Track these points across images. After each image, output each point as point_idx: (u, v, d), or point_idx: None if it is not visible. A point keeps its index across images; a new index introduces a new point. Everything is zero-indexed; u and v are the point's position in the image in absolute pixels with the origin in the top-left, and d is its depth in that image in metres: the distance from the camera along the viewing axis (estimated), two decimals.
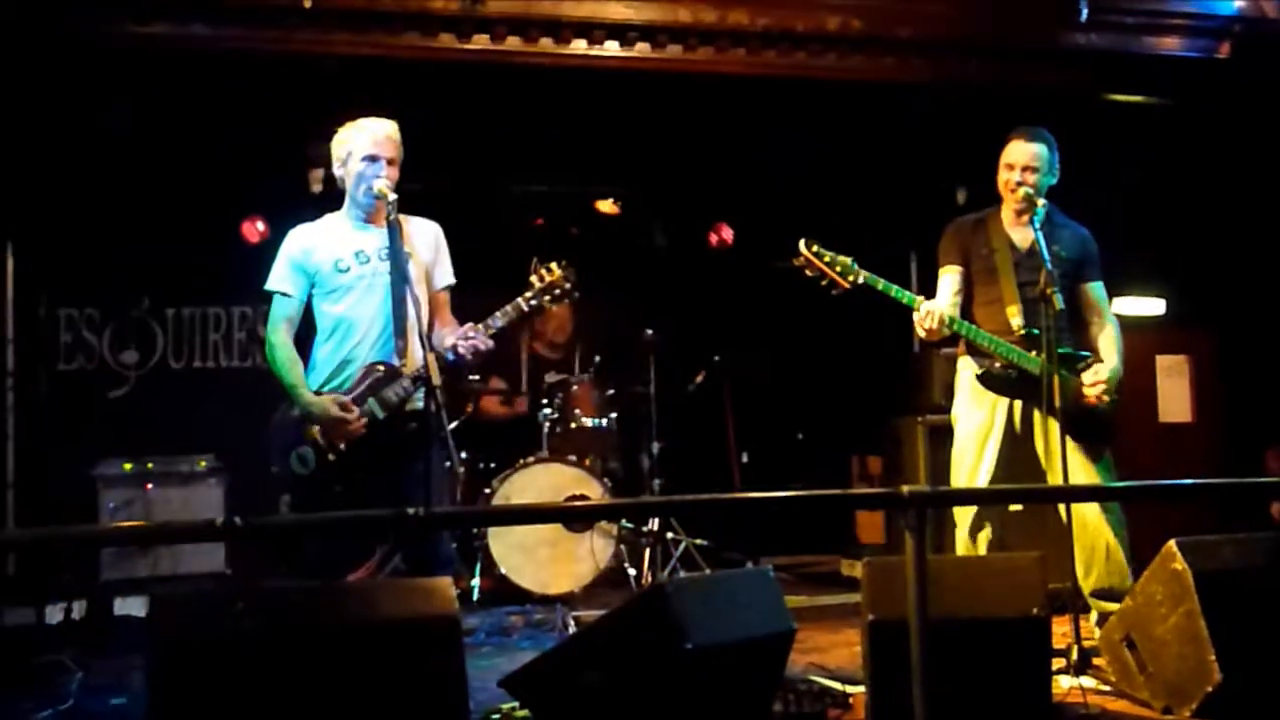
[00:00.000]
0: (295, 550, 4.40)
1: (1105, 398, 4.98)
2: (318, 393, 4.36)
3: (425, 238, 4.56)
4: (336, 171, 4.52)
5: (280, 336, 4.41)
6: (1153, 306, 7.87)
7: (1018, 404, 5.04)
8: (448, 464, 4.70)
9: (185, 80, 6.35)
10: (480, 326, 4.42)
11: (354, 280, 4.40)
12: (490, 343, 4.43)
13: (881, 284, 4.91)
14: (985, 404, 5.08)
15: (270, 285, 4.47)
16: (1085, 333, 5.17)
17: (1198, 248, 7.73)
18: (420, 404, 4.32)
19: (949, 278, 5.18)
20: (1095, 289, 5.20)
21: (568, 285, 4.53)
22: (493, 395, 7.31)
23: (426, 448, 4.28)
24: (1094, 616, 4.94)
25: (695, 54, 6.36)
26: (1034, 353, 4.90)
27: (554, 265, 4.56)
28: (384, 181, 4.35)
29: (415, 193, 4.67)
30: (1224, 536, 4.08)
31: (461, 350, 4.36)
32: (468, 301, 4.70)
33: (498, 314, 4.45)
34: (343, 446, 4.30)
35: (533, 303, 4.50)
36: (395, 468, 4.30)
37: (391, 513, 4.18)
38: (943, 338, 5.06)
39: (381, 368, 4.36)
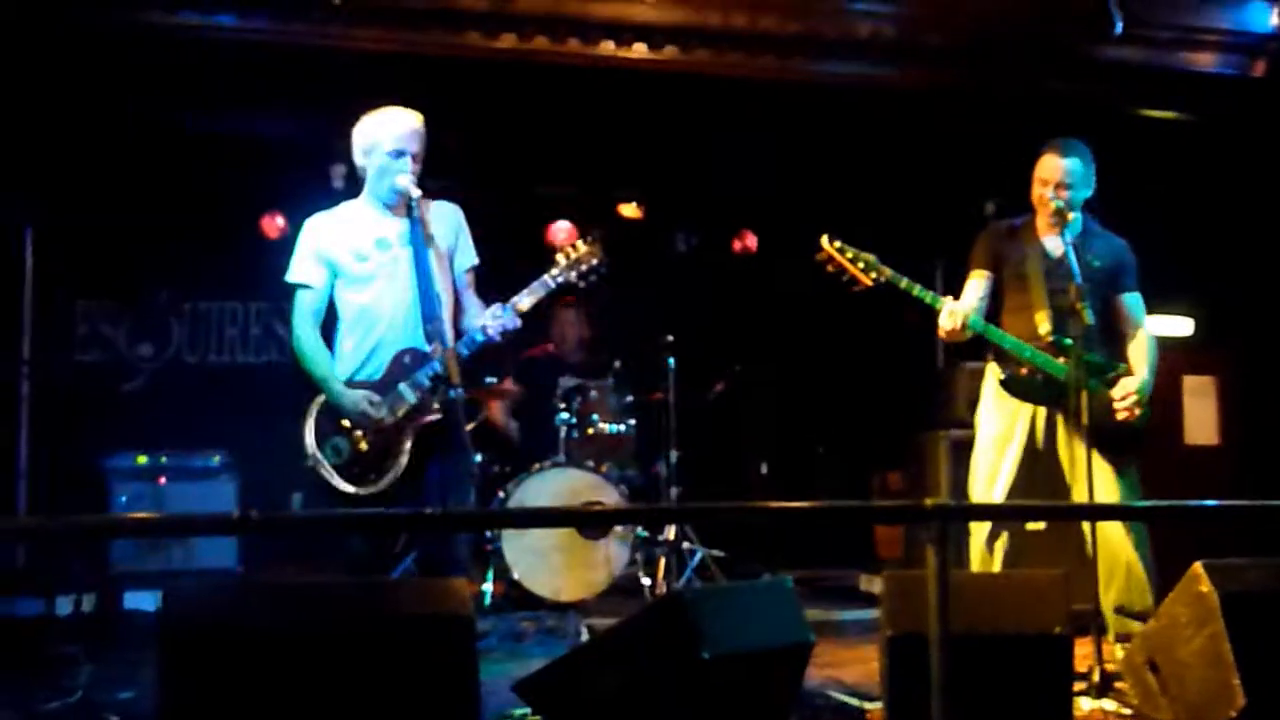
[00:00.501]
0: (341, 546, 4.38)
1: (1137, 410, 4.91)
2: (348, 383, 4.31)
3: (445, 221, 4.49)
4: (358, 161, 4.44)
5: (307, 329, 4.36)
6: (1181, 326, 7.77)
7: (1042, 412, 4.96)
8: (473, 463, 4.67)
9: (210, 72, 6.33)
10: (508, 305, 4.37)
11: (377, 269, 4.34)
12: (518, 321, 4.36)
13: (904, 282, 4.85)
14: (1008, 411, 5.01)
15: (292, 277, 4.40)
16: (1120, 344, 5.09)
17: (1227, 268, 7.65)
18: (447, 396, 4.27)
19: (976, 282, 5.12)
20: (1131, 300, 5.12)
21: (595, 261, 4.44)
22: (501, 401, 7.23)
23: (453, 445, 4.24)
24: (1112, 634, 4.86)
25: (724, 58, 6.32)
26: (1061, 359, 4.83)
27: (579, 243, 4.48)
28: (409, 178, 4.31)
29: (437, 190, 4.63)
30: (1251, 560, 4.00)
31: (491, 331, 4.31)
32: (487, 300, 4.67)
33: (525, 292, 4.39)
34: (374, 435, 4.26)
35: (559, 279, 4.42)
36: (423, 464, 4.27)
37: (409, 511, 4.19)
38: (964, 341, 4.99)
39: (411, 354, 4.31)
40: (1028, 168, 5.06)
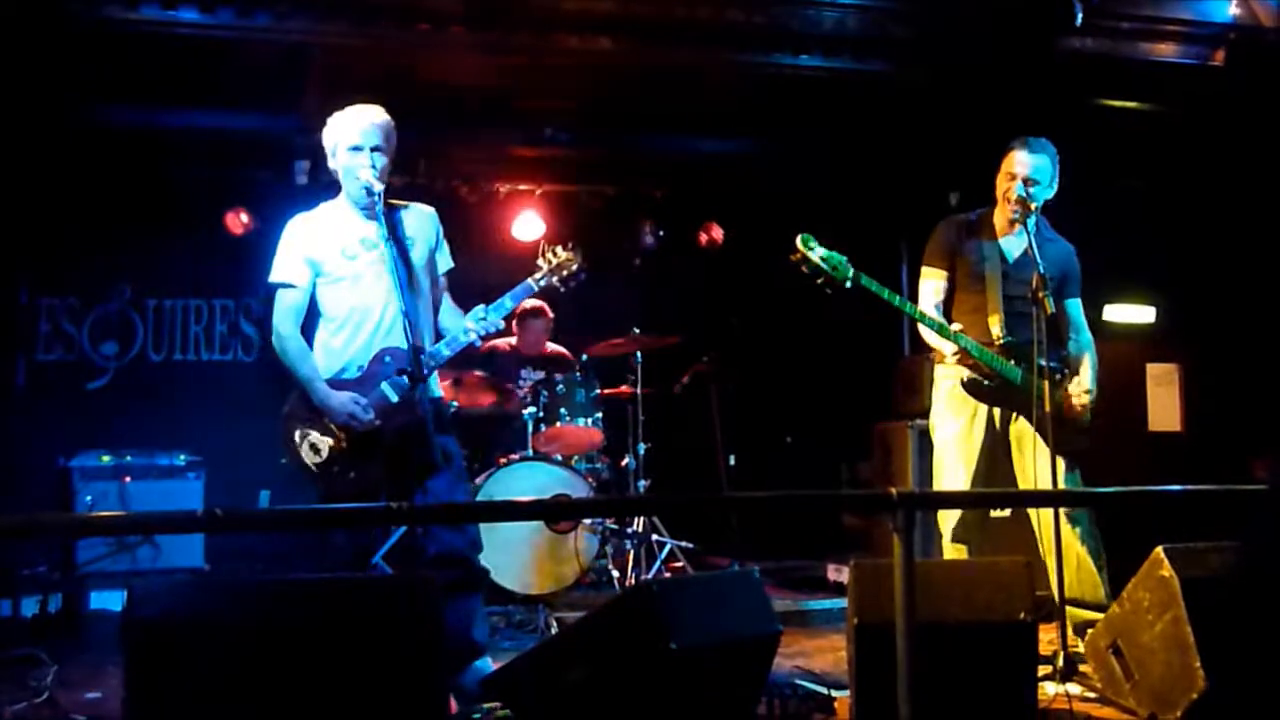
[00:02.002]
0: (325, 541, 4.38)
1: (1085, 410, 4.98)
2: (331, 381, 4.32)
3: (425, 224, 4.54)
4: (330, 166, 4.48)
5: (290, 328, 4.37)
6: (1143, 314, 7.84)
7: (996, 412, 5.03)
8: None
9: (172, 67, 6.28)
10: (492, 308, 4.42)
11: (363, 267, 4.37)
12: (500, 323, 4.45)
13: (874, 286, 4.87)
14: (965, 412, 5.07)
15: (276, 278, 4.40)
16: (1063, 348, 5.16)
17: (1189, 256, 7.71)
18: (422, 394, 4.27)
19: (932, 282, 5.16)
20: (1073, 306, 5.24)
21: (574, 267, 4.55)
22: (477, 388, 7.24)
23: (436, 437, 4.24)
24: (1070, 626, 4.90)
25: (689, 51, 6.31)
26: (1013, 362, 4.90)
27: (559, 249, 4.57)
28: (370, 171, 4.30)
29: (405, 186, 4.63)
30: (1211, 544, 4.06)
31: (475, 334, 4.37)
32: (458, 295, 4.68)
33: (507, 295, 4.46)
34: (352, 436, 4.27)
35: (541, 283, 4.52)
36: (408, 457, 4.27)
37: (378, 507, 4.18)
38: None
39: (391, 353, 4.33)
40: (991, 158, 5.10)
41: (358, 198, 4.39)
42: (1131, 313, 7.74)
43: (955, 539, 5.02)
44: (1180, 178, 7.64)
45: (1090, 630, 4.47)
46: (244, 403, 4.52)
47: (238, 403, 4.75)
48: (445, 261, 4.61)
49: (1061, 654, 4.47)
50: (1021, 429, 4.92)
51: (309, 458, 4.27)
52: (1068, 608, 4.90)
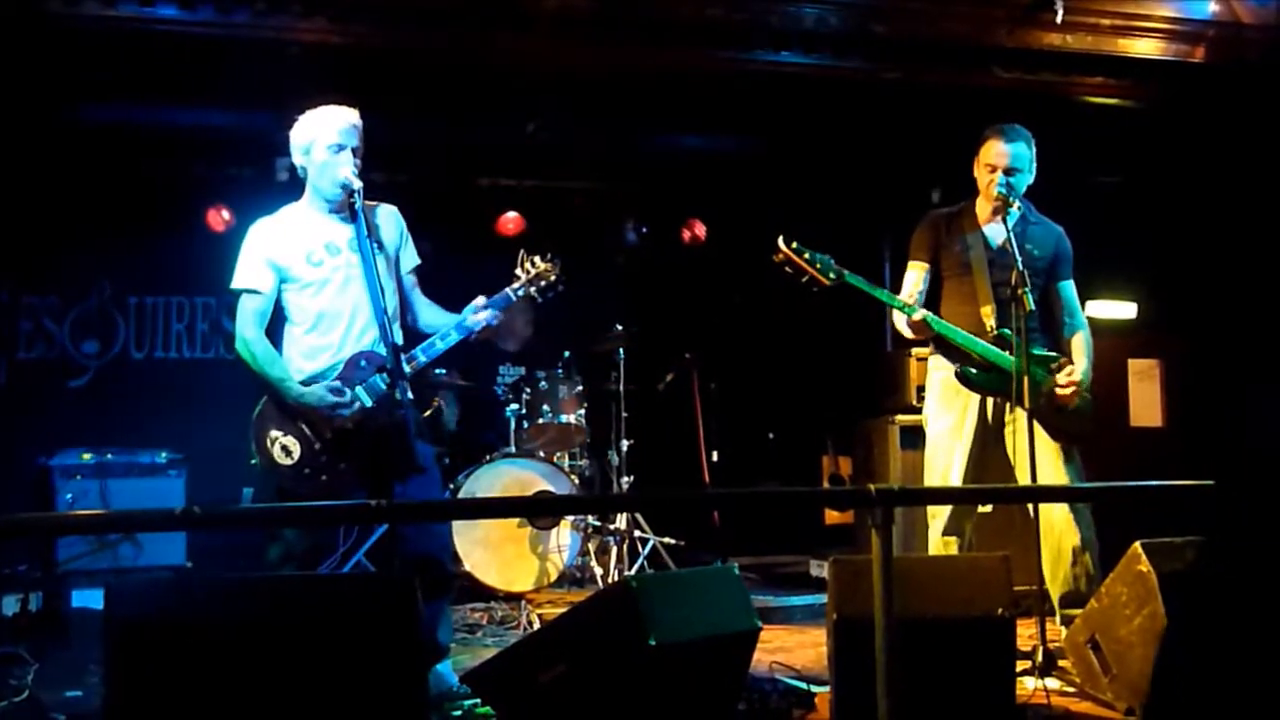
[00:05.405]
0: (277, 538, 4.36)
1: (1076, 399, 4.98)
2: (305, 384, 4.29)
3: (388, 223, 4.53)
4: (297, 161, 4.42)
5: (254, 333, 4.33)
6: (1124, 310, 7.87)
7: (990, 403, 5.02)
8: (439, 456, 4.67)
9: (151, 65, 6.26)
10: (484, 316, 4.44)
11: (330, 273, 4.34)
12: (478, 328, 4.47)
13: (861, 283, 4.89)
14: (957, 405, 5.06)
15: (239, 284, 4.36)
16: (1057, 333, 5.16)
17: (1170, 251, 7.74)
18: (402, 395, 4.27)
19: (914, 274, 5.19)
20: (1066, 288, 5.20)
21: (553, 278, 4.56)
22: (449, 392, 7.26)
23: (411, 438, 4.23)
24: (1059, 618, 4.92)
25: (668, 48, 6.31)
26: (1007, 351, 4.88)
27: (538, 259, 4.57)
28: (351, 170, 4.29)
29: (382, 184, 4.61)
30: (1189, 539, 4.08)
31: (454, 339, 4.41)
32: (437, 292, 4.68)
33: (490, 307, 4.47)
34: (329, 435, 4.25)
35: (519, 293, 4.53)
36: (385, 460, 4.26)
37: (354, 504, 4.18)
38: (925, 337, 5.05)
39: (366, 357, 4.32)
40: (972, 155, 5.11)
41: (332, 196, 4.36)
42: (1112, 308, 7.77)
43: (946, 532, 5.02)
44: (1160, 173, 7.67)
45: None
46: (226, 400, 4.49)
47: (219, 400, 4.73)
48: (411, 258, 4.59)
49: (1040, 648, 4.49)
50: (1018, 418, 4.89)
51: (281, 459, 4.24)
52: (1062, 608, 4.92)
